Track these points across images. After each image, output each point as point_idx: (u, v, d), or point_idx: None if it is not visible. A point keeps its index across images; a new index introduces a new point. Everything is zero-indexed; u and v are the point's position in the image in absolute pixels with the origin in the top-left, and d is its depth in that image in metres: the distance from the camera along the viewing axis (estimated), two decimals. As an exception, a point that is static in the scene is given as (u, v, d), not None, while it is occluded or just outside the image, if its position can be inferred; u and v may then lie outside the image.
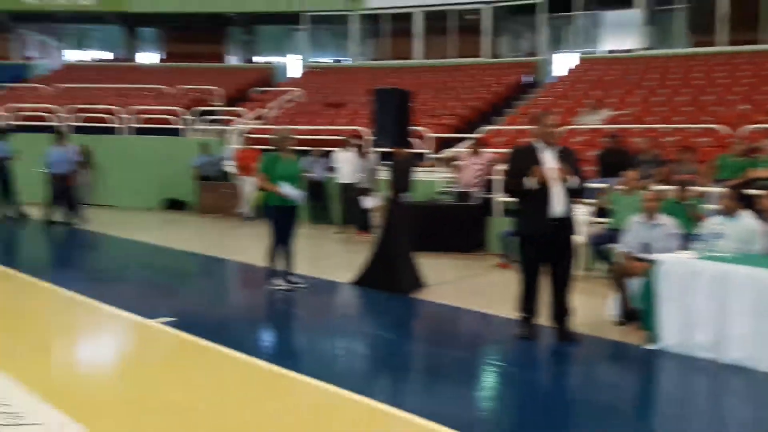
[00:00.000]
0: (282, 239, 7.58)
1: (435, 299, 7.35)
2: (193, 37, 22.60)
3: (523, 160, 5.63)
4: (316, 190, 12.78)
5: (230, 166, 14.66)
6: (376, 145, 9.51)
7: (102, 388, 4.72)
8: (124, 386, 4.68)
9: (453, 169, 11.31)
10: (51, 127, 16.81)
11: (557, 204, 5.53)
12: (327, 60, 22.66)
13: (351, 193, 11.84)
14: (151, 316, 6.27)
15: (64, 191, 12.79)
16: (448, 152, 13.10)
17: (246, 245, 10.69)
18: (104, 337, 6.16)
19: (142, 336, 6.05)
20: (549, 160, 5.56)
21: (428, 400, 4.54)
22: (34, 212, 13.43)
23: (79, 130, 16.04)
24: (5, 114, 17.37)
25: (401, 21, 20.77)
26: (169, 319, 6.13)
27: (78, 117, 17.11)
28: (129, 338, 6.12)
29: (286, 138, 7.69)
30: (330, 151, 13.19)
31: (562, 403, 4.72)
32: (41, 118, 17.31)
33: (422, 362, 5.78)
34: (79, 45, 24.83)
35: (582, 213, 8.08)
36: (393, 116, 7.72)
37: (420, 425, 3.94)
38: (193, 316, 6.59)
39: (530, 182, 5.45)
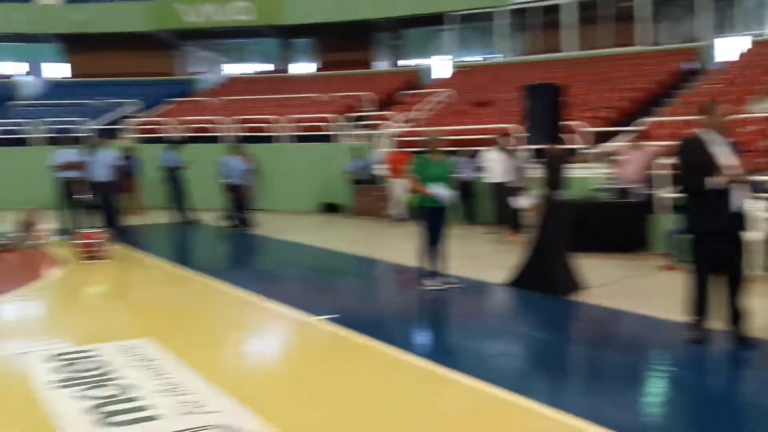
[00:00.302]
0: (433, 240, 7.69)
1: (595, 301, 7.12)
2: (342, 45, 23.34)
3: (694, 154, 5.34)
4: (466, 190, 12.79)
5: (381, 170, 15.02)
6: (529, 142, 9.38)
7: (271, 379, 5.03)
8: (291, 378, 4.95)
9: (612, 164, 10.92)
10: (216, 137, 18.09)
11: (736, 199, 5.21)
12: (476, 58, 22.57)
13: (502, 192, 11.75)
14: (315, 313, 6.59)
15: (238, 198, 13.68)
16: (606, 146, 12.66)
17: (398, 246, 10.90)
18: (273, 332, 6.52)
19: (307, 331, 6.34)
20: (721, 153, 5.25)
21: (593, 404, 4.42)
22: (206, 218, 14.50)
23: (242, 139, 17.06)
24: (175, 127, 18.84)
25: (551, 13, 20.29)
26: (331, 316, 6.42)
27: (240, 127, 18.24)
28: (295, 333, 6.43)
29: (435, 140, 7.80)
30: (479, 150, 13.17)
31: (738, 410, 4.44)
32: (207, 130, 18.61)
33: (583, 365, 5.63)
34: (239, 59, 26.41)
35: (762, 208, 7.54)
36: (545, 112, 7.59)
37: (580, 428, 3.87)
38: (353, 314, 6.82)
39: (714, 182, 5.16)
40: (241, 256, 12.15)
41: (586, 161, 12.48)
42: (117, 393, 4.37)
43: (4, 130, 19.69)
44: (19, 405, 4.32)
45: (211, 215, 14.27)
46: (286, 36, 24.42)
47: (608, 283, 7.90)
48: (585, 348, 6.05)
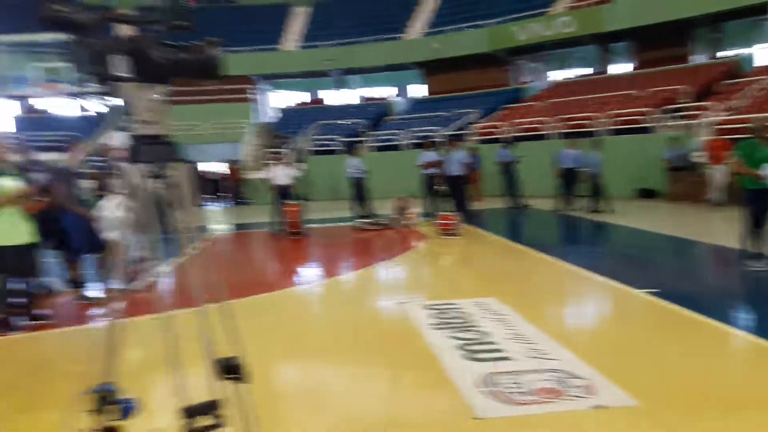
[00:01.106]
0: (758, 222, 6.78)
1: None
2: (659, 43, 21.40)
3: None
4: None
5: (700, 156, 13.57)
6: None
7: (598, 337, 4.98)
8: (615, 338, 4.83)
9: None
10: (543, 136, 18.09)
11: None
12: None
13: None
14: (635, 286, 6.31)
15: (595, 185, 13.28)
16: None
17: (717, 229, 9.82)
18: (596, 299, 6.41)
19: (628, 301, 6.10)
20: None
21: None
22: (534, 203, 14.65)
23: (566, 135, 16.81)
24: (509, 128, 19.27)
25: None
26: (651, 290, 6.09)
27: (563, 125, 17.97)
28: (616, 302, 6.25)
29: (762, 125, 6.85)
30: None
31: None
32: (535, 129, 18.69)
33: None
34: (562, 66, 25.88)
35: None
36: None
37: None
38: (674, 289, 6.33)
39: None
40: (565, 235, 12.01)
41: None
42: (477, 337, 4.76)
43: (382, 139, 22.19)
44: (408, 338, 4.95)
45: (537, 201, 14.34)
46: (604, 41, 23.22)
47: None
48: None
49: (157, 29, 1.69)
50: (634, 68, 22.62)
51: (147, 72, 1.69)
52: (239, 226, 15.50)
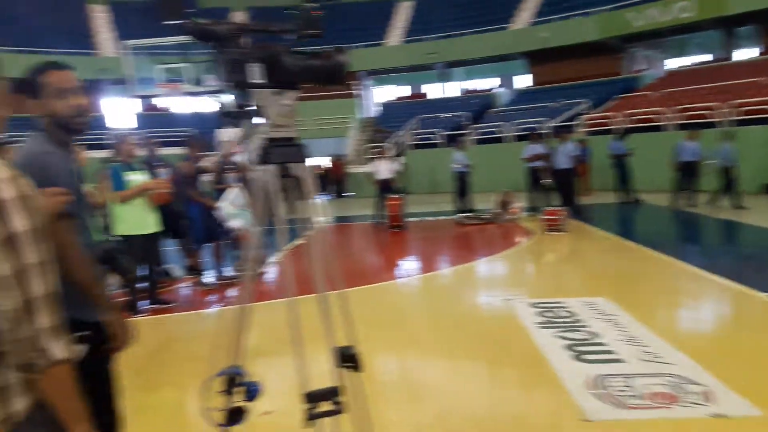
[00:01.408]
0: None
1: None
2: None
3: None
4: None
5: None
6: None
7: (720, 342, 4.69)
8: (739, 343, 4.54)
9: None
10: (658, 127, 17.18)
11: None
12: None
13: None
14: (761, 289, 5.89)
15: (729, 179, 12.58)
16: None
17: None
18: (716, 302, 6.03)
19: (754, 305, 5.69)
20: None
21: None
22: (651, 198, 13.96)
23: (683, 127, 15.86)
24: (621, 119, 18.43)
25: None
26: (779, 294, 5.67)
27: (681, 116, 16.97)
28: (739, 305, 5.85)
29: None
30: None
31: None
32: (650, 120, 17.77)
33: None
34: (680, 53, 24.39)
35: None
36: None
37: None
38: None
39: None
40: (681, 232, 11.34)
41: None
42: (587, 337, 4.64)
43: (486, 131, 21.93)
44: (514, 336, 4.92)
45: (651, 196, 13.64)
46: (727, 25, 21.62)
47: None
48: None
49: (288, 38, 1.82)
50: (761, 53, 20.92)
51: (280, 79, 1.83)
52: (341, 219, 15.92)
